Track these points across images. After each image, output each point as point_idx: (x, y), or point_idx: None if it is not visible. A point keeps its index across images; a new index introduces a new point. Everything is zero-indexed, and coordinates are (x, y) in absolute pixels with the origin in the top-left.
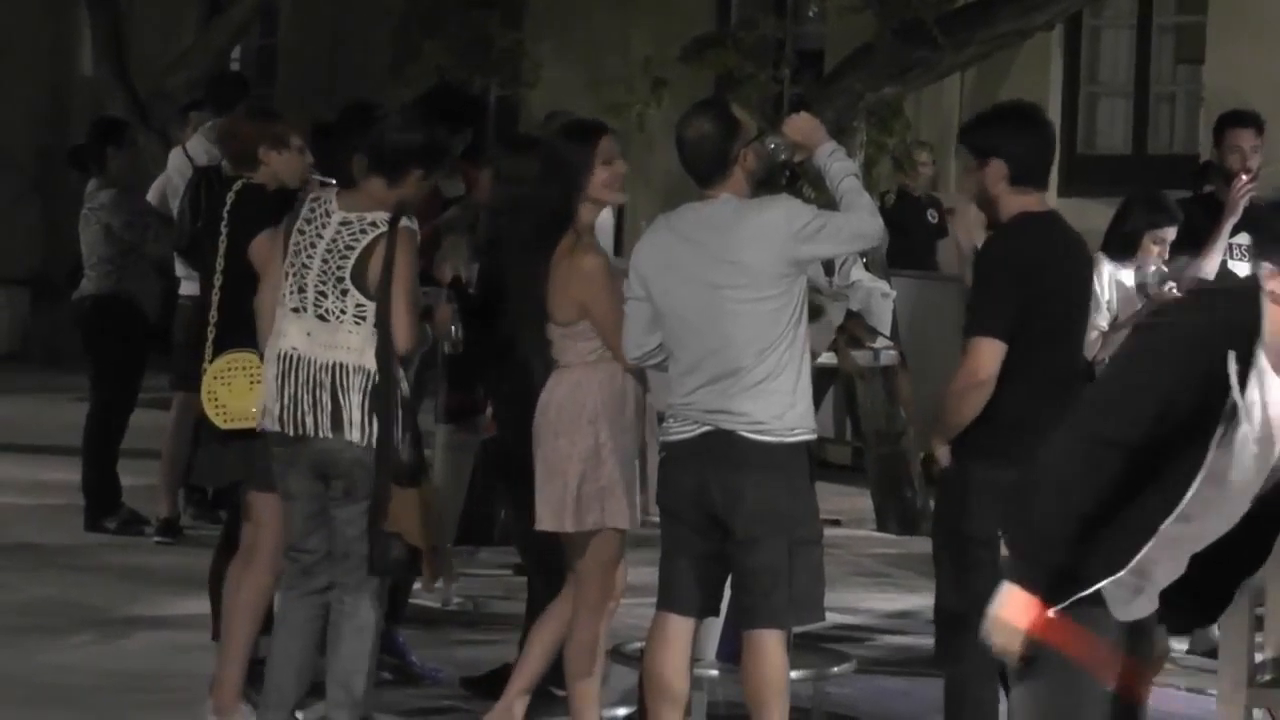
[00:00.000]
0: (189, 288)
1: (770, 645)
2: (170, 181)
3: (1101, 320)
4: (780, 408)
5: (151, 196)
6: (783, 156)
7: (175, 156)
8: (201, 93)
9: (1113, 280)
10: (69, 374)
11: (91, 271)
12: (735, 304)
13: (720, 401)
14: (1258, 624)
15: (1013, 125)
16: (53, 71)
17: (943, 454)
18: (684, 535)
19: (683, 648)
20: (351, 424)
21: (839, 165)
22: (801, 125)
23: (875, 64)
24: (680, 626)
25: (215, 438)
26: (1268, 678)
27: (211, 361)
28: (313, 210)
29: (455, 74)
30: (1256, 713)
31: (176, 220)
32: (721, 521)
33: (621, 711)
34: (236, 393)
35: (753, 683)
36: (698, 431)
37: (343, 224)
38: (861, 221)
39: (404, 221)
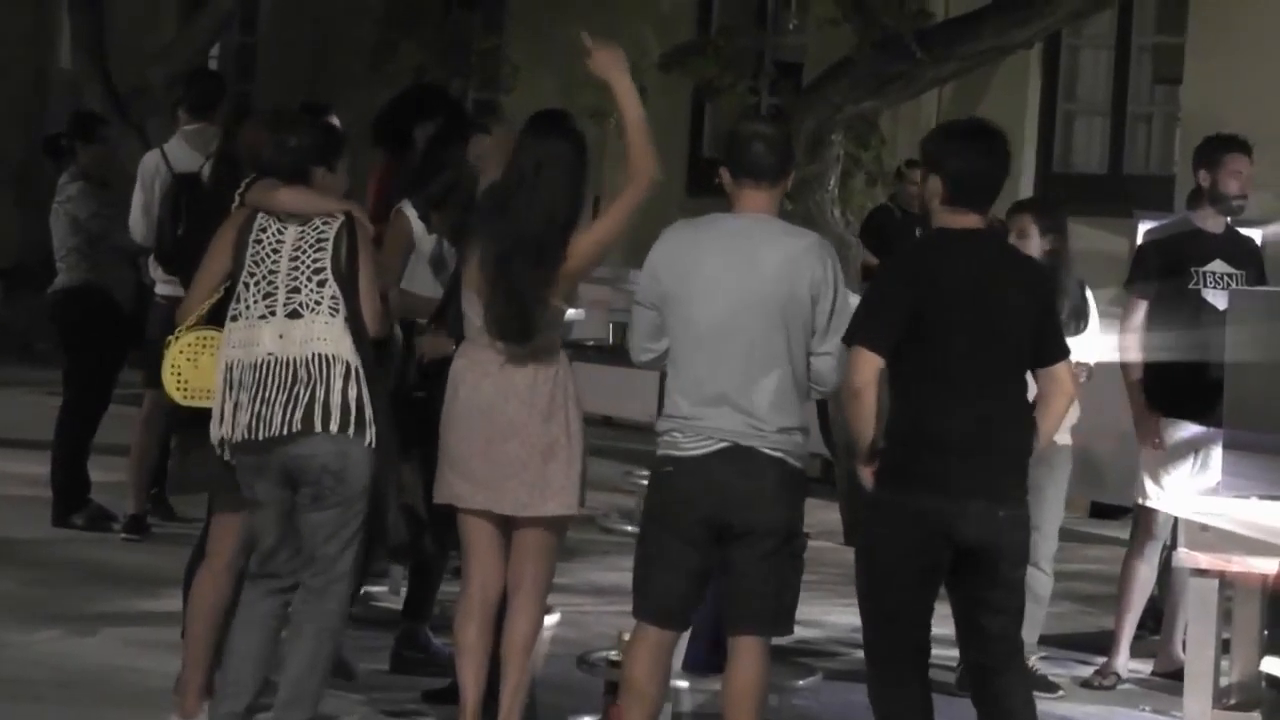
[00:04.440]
0: (165, 288)
1: (762, 652)
2: (142, 178)
3: None
4: (792, 422)
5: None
6: None
7: (151, 157)
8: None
9: None
10: (41, 367)
11: (62, 264)
12: (764, 319)
13: (737, 417)
14: (1224, 647)
15: (957, 144)
16: (31, 62)
17: (864, 476)
18: (677, 549)
19: (664, 658)
20: (329, 415)
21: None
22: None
23: (854, 77)
24: (663, 638)
25: (184, 447)
26: (1233, 701)
27: (180, 336)
28: (265, 220)
29: (434, 75)
30: None
31: (156, 227)
32: (727, 533)
33: (587, 719)
34: (203, 370)
35: (738, 688)
36: (714, 447)
37: (302, 222)
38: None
39: (356, 213)
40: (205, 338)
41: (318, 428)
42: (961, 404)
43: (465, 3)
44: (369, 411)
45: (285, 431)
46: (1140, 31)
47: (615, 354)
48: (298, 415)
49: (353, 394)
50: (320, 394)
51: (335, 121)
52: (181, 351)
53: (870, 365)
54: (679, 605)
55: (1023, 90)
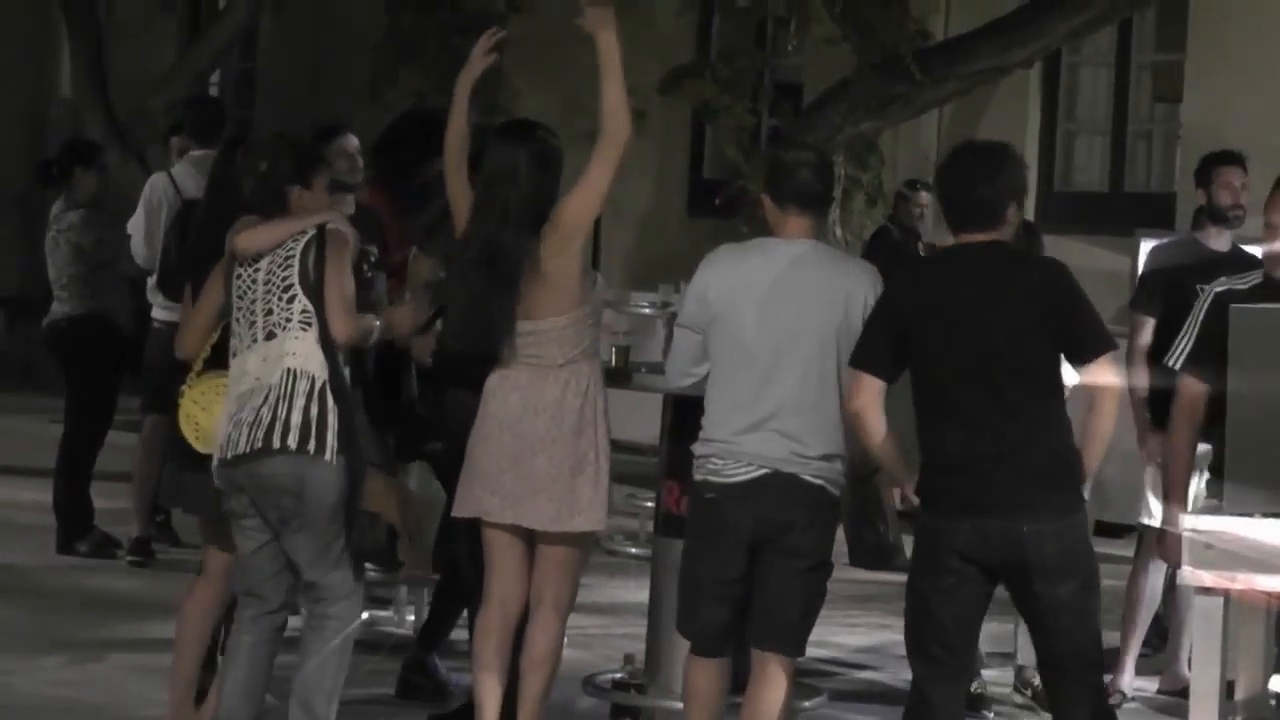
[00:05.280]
0: (163, 314)
1: (788, 672)
2: (148, 201)
3: None
4: (834, 449)
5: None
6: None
7: (158, 180)
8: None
9: None
10: (44, 394)
11: (63, 293)
12: (818, 344)
13: (782, 443)
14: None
15: (943, 170)
16: (31, 90)
17: (909, 495)
18: (722, 578)
19: (724, 667)
20: (288, 432)
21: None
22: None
23: (854, 98)
24: (716, 669)
25: (181, 463)
26: (1239, 718)
27: (192, 384)
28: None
29: (435, 99)
30: None
31: (161, 252)
32: (759, 554)
33: None
34: (216, 416)
35: (761, 707)
36: (755, 473)
37: (274, 246)
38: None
39: (331, 224)
40: (217, 385)
41: (276, 444)
42: (972, 422)
43: (464, 28)
44: (331, 430)
45: (248, 449)
46: (1140, 49)
47: (617, 376)
48: (259, 434)
49: (314, 411)
50: (282, 411)
51: (355, 141)
52: (195, 401)
53: (868, 388)
54: (723, 634)
55: (1023, 109)
